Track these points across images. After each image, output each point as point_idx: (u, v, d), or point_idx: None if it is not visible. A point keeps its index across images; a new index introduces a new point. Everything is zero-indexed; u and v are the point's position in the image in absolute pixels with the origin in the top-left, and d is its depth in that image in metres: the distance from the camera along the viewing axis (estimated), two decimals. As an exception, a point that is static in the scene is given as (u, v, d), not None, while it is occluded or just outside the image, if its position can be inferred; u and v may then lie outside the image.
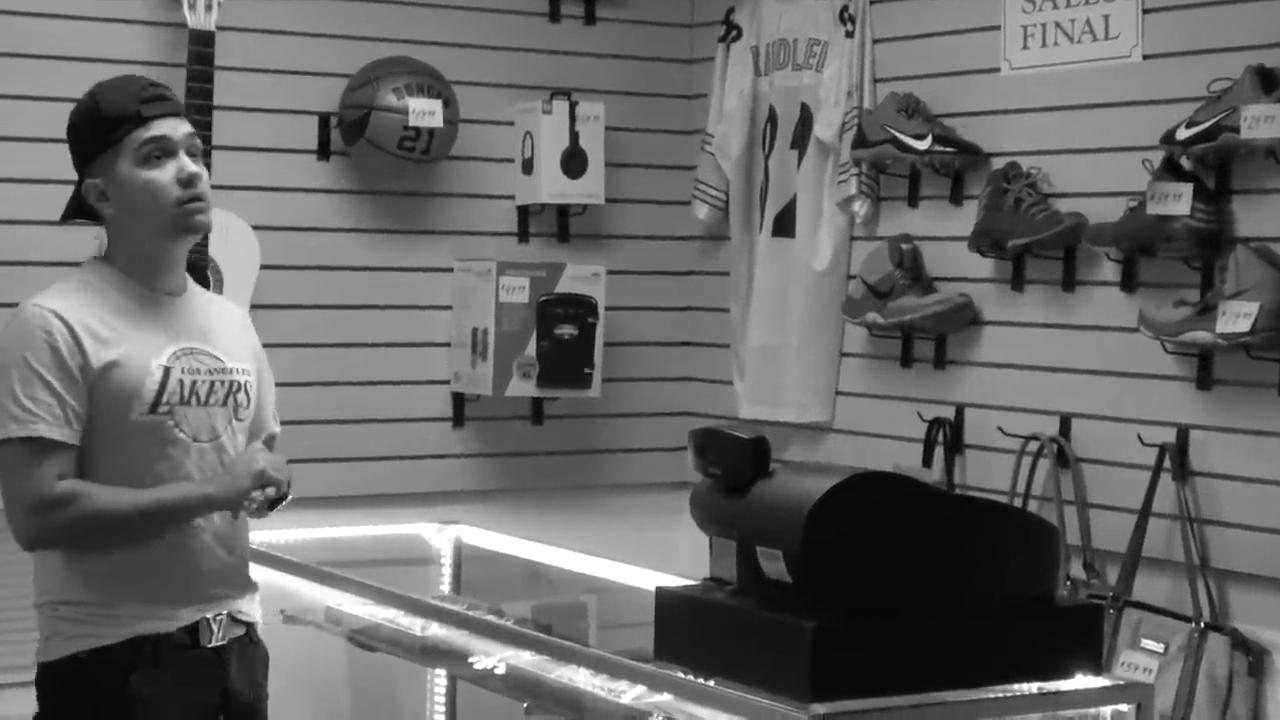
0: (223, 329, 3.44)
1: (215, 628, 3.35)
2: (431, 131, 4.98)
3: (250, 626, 3.45)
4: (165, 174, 3.27)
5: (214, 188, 4.59)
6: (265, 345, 4.81)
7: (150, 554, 3.28)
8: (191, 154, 3.32)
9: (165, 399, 3.27)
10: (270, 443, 3.56)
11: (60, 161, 3.43)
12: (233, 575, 3.40)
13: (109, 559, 3.27)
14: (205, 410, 3.33)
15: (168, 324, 3.33)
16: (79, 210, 3.39)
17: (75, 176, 3.35)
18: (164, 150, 3.28)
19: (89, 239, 3.73)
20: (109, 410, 3.24)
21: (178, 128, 3.31)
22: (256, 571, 3.49)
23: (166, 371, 3.28)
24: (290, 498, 3.42)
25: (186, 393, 3.30)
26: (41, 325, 3.22)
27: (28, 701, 3.36)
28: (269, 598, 3.98)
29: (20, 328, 3.25)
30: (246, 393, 3.41)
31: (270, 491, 3.32)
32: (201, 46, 4.67)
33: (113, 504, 3.23)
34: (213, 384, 3.35)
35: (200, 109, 4.66)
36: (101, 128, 3.28)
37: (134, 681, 3.26)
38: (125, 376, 3.25)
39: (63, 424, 3.20)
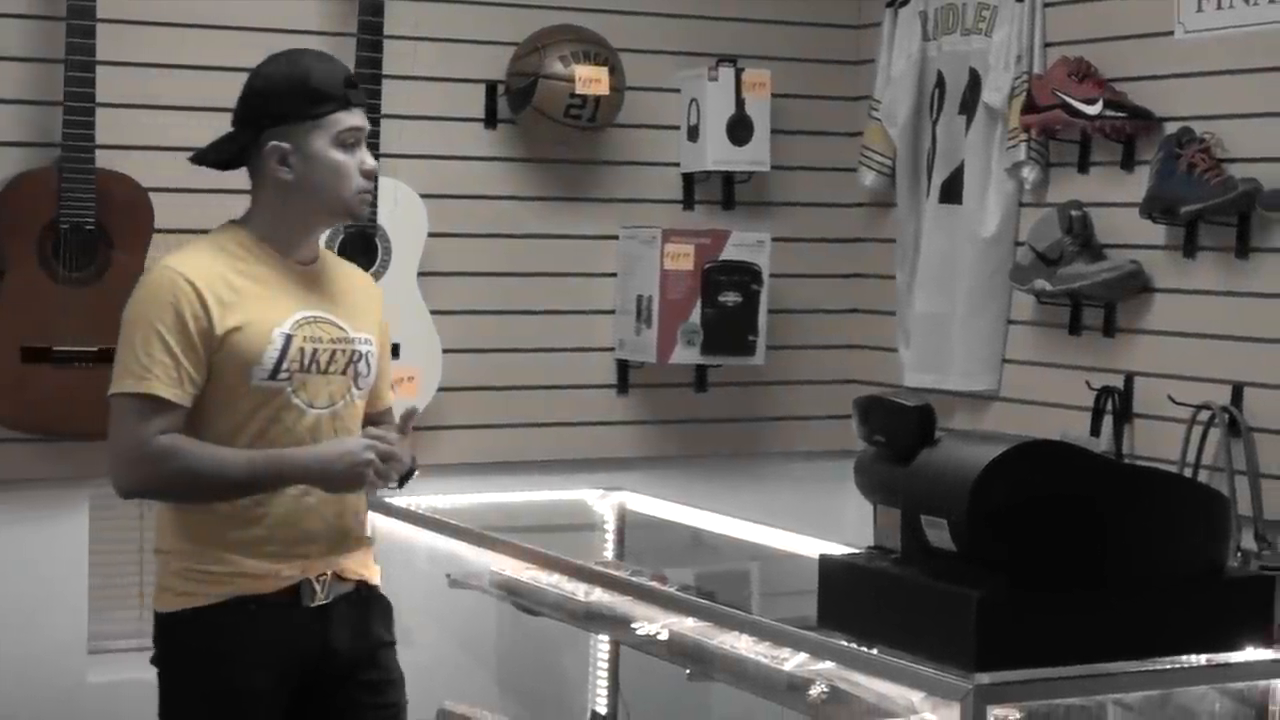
0: (350, 298, 3.52)
1: (318, 587, 3.43)
2: (598, 99, 4.99)
3: (360, 582, 3.51)
4: (353, 161, 3.41)
5: (382, 156, 4.73)
6: (432, 312, 4.89)
7: (253, 511, 3.37)
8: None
9: (285, 366, 3.36)
10: (384, 416, 3.63)
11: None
12: (338, 536, 3.47)
13: (213, 515, 3.36)
14: (325, 378, 3.42)
15: (295, 291, 3.42)
16: (228, 159, 3.49)
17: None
18: (357, 140, 3.43)
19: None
20: (230, 373, 3.34)
21: (363, 121, 3.45)
22: (421, 535, 3.53)
23: (288, 339, 3.37)
24: (416, 472, 3.46)
25: (307, 360, 3.39)
26: (170, 288, 3.33)
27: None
28: (436, 560, 4.01)
29: (149, 289, 3.36)
30: (368, 362, 3.49)
31: (395, 468, 3.38)
32: (371, 16, 4.72)
33: (207, 461, 3.31)
34: (334, 353, 3.43)
35: (370, 78, 4.71)
36: (308, 97, 3.39)
37: (230, 640, 3.36)
38: (248, 342, 3.34)
39: (176, 385, 3.30)
